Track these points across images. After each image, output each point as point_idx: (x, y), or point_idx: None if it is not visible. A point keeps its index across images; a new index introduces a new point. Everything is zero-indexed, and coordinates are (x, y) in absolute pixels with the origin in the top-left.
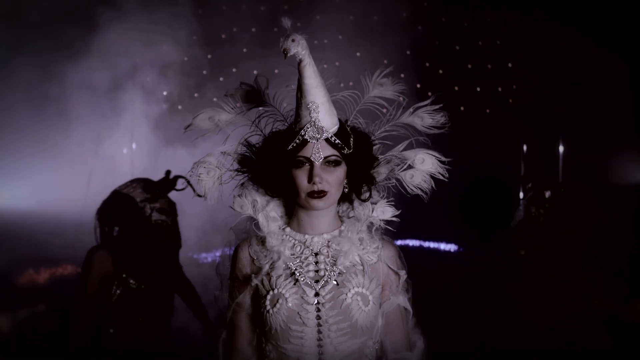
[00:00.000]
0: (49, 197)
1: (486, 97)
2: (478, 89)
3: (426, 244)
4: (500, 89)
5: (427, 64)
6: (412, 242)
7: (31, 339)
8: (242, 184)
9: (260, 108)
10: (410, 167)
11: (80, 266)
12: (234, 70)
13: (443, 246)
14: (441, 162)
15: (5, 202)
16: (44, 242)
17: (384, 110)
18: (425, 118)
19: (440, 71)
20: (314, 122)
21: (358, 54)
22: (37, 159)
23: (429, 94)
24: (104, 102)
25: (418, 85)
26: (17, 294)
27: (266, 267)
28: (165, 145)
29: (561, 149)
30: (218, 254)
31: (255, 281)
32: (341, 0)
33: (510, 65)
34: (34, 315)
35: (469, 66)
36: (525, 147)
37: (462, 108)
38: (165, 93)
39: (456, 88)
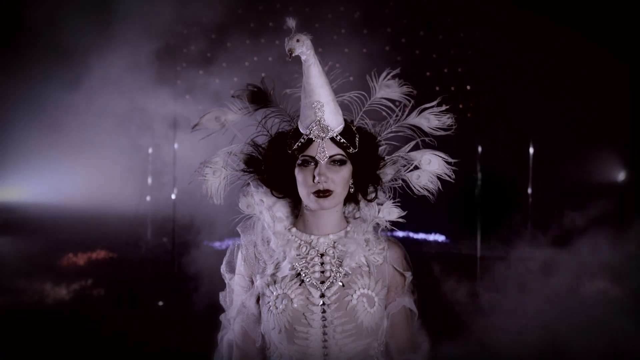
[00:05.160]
0: (74, 191)
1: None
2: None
3: (415, 236)
4: (461, 106)
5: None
6: (401, 233)
7: (83, 305)
8: (249, 184)
9: (267, 109)
10: (416, 167)
11: (111, 251)
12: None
13: (432, 237)
14: (448, 163)
15: (30, 196)
16: (77, 231)
17: (395, 107)
18: (431, 119)
19: (415, 92)
20: (319, 121)
21: (351, 78)
22: (62, 156)
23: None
24: (125, 103)
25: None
26: (62, 273)
27: (271, 268)
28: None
29: (531, 150)
30: (230, 242)
31: (260, 281)
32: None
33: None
34: (83, 288)
35: (437, 88)
36: (480, 148)
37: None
38: (200, 107)
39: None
